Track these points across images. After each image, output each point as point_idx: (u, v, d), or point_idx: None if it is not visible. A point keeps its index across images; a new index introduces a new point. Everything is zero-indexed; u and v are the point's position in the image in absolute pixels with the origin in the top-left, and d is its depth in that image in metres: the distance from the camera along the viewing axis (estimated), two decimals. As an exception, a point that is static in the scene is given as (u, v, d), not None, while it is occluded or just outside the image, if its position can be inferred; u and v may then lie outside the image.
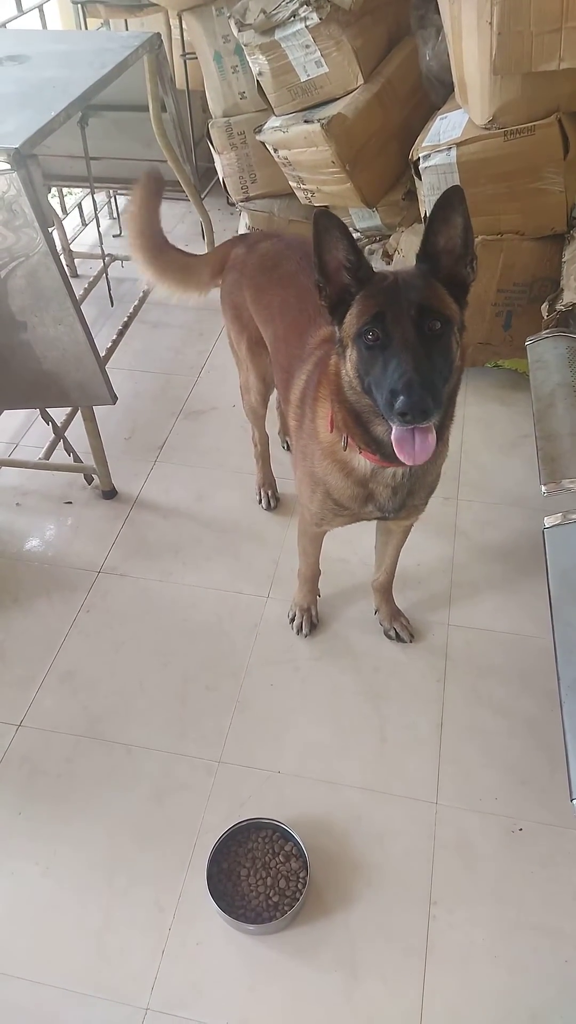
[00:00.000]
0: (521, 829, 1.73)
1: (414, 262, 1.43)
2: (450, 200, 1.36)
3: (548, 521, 1.72)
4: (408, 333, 1.34)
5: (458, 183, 2.50)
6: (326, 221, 1.38)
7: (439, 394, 1.36)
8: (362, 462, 1.63)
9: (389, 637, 2.13)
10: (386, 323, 1.35)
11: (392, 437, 1.41)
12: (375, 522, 1.92)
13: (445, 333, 1.38)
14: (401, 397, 1.30)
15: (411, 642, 2.11)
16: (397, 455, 1.41)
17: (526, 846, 1.71)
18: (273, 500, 2.53)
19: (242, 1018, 1.49)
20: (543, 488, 1.77)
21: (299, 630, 2.14)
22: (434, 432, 1.40)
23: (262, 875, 1.65)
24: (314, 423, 1.73)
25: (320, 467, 1.72)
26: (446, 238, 1.39)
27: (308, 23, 2.69)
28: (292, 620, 2.16)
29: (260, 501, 2.54)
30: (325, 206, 3.17)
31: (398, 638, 2.12)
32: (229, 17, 2.86)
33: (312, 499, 1.82)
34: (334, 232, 1.39)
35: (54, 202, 3.96)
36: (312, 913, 1.62)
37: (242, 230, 3.68)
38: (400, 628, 2.12)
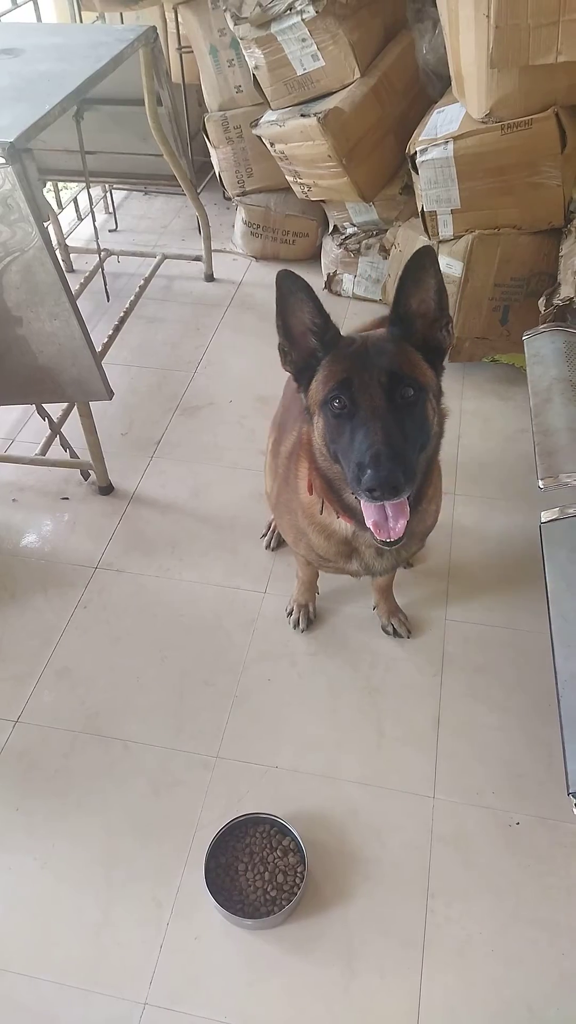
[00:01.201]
0: (518, 823, 1.74)
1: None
2: (421, 261, 1.30)
3: (545, 516, 1.72)
4: (377, 401, 1.27)
5: (454, 176, 2.50)
6: (290, 283, 1.32)
7: (411, 467, 1.28)
8: (342, 525, 1.58)
9: (386, 632, 2.13)
10: (353, 390, 1.28)
11: (363, 513, 1.34)
12: None
13: (419, 401, 1.31)
14: (369, 471, 1.22)
15: (408, 638, 2.11)
16: (372, 532, 1.34)
17: (523, 840, 1.71)
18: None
19: (240, 1012, 1.50)
20: (540, 483, 1.77)
21: (296, 625, 2.14)
22: (408, 506, 1.32)
23: (260, 870, 1.65)
24: (296, 481, 1.67)
25: (302, 523, 1.69)
26: (418, 300, 1.33)
27: (304, 16, 2.68)
28: (290, 615, 2.16)
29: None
30: (322, 199, 3.17)
31: (395, 634, 2.12)
32: (225, 10, 2.84)
33: (297, 546, 1.80)
34: (299, 294, 1.33)
35: (50, 196, 3.94)
36: (310, 907, 1.62)
37: (238, 225, 3.68)
38: (398, 624, 2.12)
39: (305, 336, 1.37)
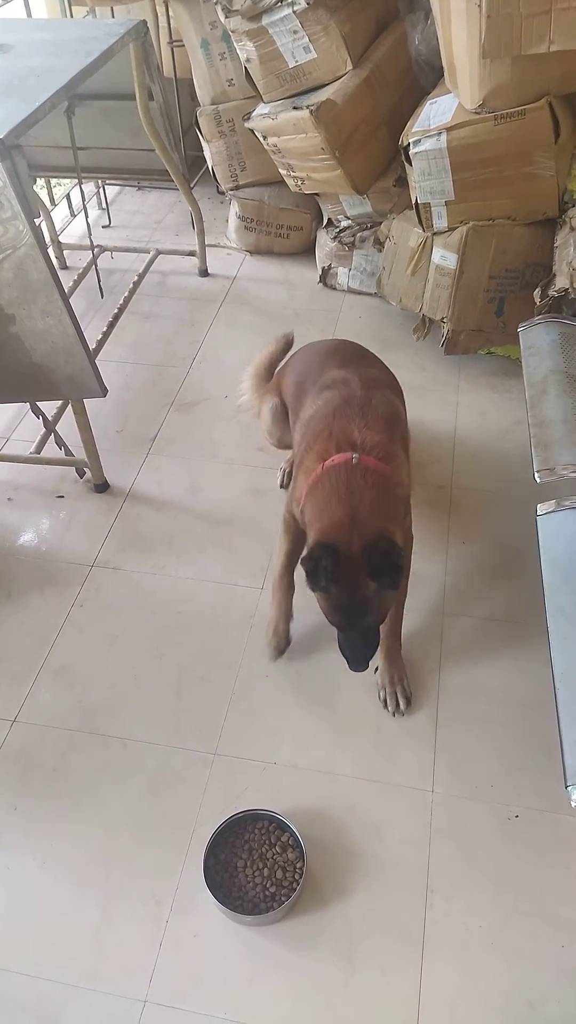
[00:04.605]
0: (517, 816, 1.74)
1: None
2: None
3: (541, 508, 1.72)
4: (356, 641, 1.73)
5: (448, 168, 2.49)
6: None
7: (373, 647, 1.75)
8: None
9: (378, 698, 1.93)
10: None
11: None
12: None
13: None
14: (347, 660, 1.75)
15: (406, 712, 1.91)
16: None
17: (522, 833, 1.71)
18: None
19: (240, 1009, 1.50)
20: (536, 475, 1.76)
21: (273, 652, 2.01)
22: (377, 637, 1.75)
23: (259, 866, 1.65)
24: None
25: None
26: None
27: (295, 8, 2.66)
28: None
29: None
30: (315, 192, 3.16)
31: (386, 704, 1.92)
32: (216, 3, 2.82)
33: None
34: None
35: (42, 193, 3.92)
36: (309, 903, 1.62)
37: (232, 219, 3.66)
38: (399, 694, 1.91)
39: None
